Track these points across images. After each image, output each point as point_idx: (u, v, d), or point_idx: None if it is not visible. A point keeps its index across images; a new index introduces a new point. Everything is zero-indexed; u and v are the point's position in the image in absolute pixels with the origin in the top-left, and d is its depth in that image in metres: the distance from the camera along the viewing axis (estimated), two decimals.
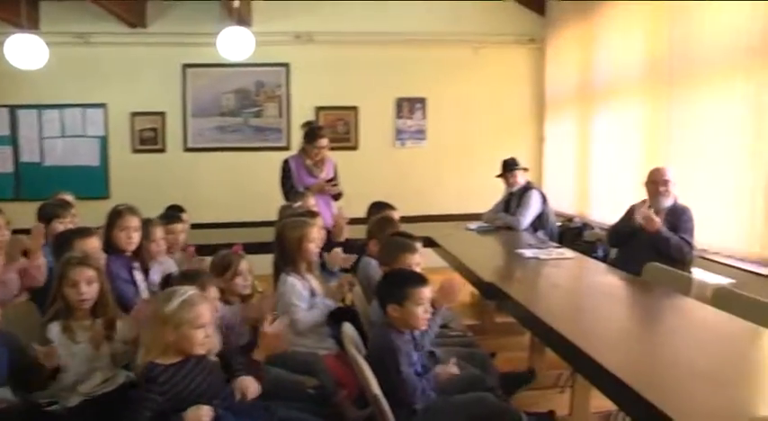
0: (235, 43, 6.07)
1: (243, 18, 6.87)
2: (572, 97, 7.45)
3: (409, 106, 8.02)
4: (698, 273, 4.50)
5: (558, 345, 2.65)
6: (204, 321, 2.32)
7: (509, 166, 5.80)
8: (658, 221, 4.23)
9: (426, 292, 2.69)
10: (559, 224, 6.10)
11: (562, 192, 7.59)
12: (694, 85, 5.09)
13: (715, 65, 4.82)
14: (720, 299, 3.24)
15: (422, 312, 2.67)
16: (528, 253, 4.40)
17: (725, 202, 4.71)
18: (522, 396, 3.81)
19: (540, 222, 5.65)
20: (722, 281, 4.41)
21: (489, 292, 3.62)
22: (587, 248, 5.33)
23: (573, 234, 5.83)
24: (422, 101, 8.04)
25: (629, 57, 6.10)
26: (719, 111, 4.77)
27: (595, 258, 4.98)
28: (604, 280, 3.88)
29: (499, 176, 5.87)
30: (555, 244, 5.03)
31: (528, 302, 3.11)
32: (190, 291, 2.36)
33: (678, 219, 4.35)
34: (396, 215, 4.50)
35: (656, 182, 4.41)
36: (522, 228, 5.55)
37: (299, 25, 7.62)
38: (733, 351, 2.57)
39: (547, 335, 2.80)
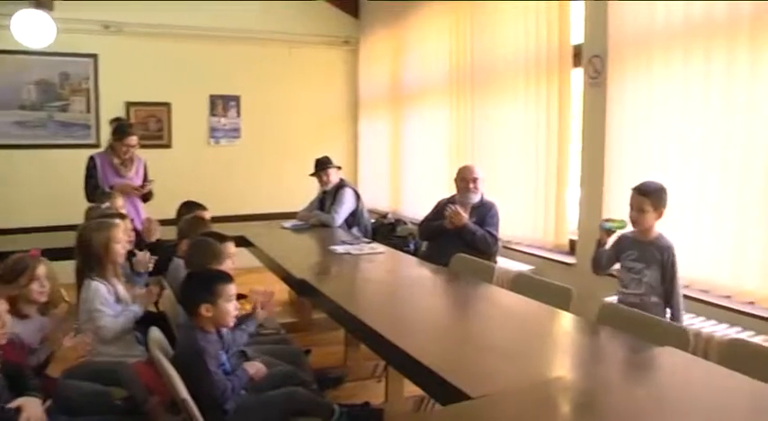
0: (33, 28, 5.63)
1: (42, 1, 6.37)
2: (384, 98, 7.70)
3: (223, 104, 7.86)
4: (503, 262, 4.86)
5: (368, 338, 2.75)
6: None
7: (322, 165, 5.86)
8: (465, 216, 4.48)
9: (234, 288, 2.70)
10: (373, 220, 6.28)
11: (377, 190, 7.83)
12: (492, 92, 5.52)
13: (509, 74, 5.25)
14: (519, 284, 3.57)
15: (233, 309, 2.68)
16: (340, 249, 4.50)
17: (525, 197, 5.13)
18: (340, 387, 3.93)
19: (354, 219, 5.78)
20: (524, 268, 4.81)
21: (302, 289, 3.67)
22: (400, 243, 5.55)
23: (387, 229, 6.03)
24: (236, 99, 7.91)
25: (436, 62, 6.43)
26: (515, 115, 5.21)
27: (407, 252, 5.20)
28: (414, 272, 4.06)
29: (313, 175, 5.93)
30: (367, 239, 5.18)
31: (338, 297, 3.19)
32: None
33: (485, 213, 4.63)
34: (207, 215, 4.41)
35: (465, 179, 4.67)
36: (337, 224, 5.65)
37: (108, 14, 7.15)
38: (528, 329, 2.83)
39: (357, 329, 2.89)
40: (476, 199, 4.65)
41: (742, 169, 3.38)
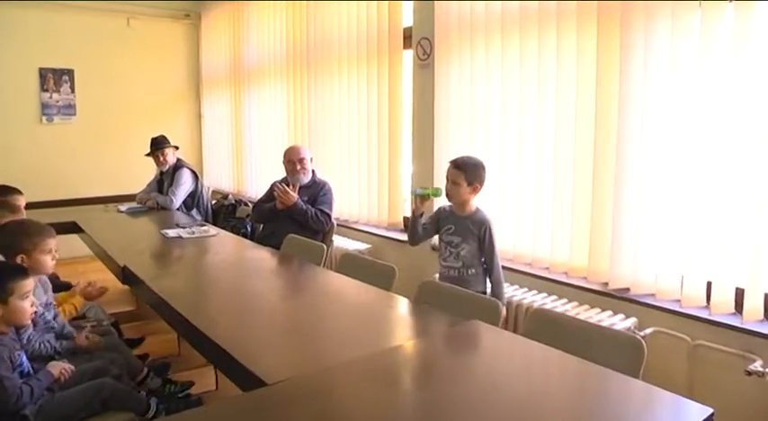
0: None
1: None
2: (226, 76, 7.52)
3: (55, 78, 7.26)
4: (341, 242, 4.89)
5: (179, 324, 2.67)
6: None
7: (158, 144, 5.66)
8: (294, 196, 4.44)
9: (30, 284, 2.51)
10: (215, 202, 6.14)
11: (221, 170, 7.68)
12: (327, 72, 5.52)
13: (343, 54, 5.27)
14: (345, 263, 3.60)
15: (29, 306, 2.48)
16: (171, 233, 4.37)
17: (360, 176, 5.19)
18: (175, 375, 3.74)
19: (193, 201, 5.62)
20: (361, 247, 4.85)
21: (125, 277, 3.51)
22: (239, 224, 5.45)
23: (227, 211, 5.89)
24: (69, 73, 7.33)
25: (275, 41, 6.37)
26: (349, 95, 5.25)
27: (244, 234, 5.12)
28: (242, 255, 3.99)
29: (148, 155, 5.70)
30: (200, 222, 5.08)
31: (156, 284, 3.08)
32: None
33: (317, 192, 4.61)
34: (20, 200, 4.10)
35: (291, 161, 4.62)
36: (175, 207, 5.49)
37: None
38: (348, 310, 2.83)
39: (170, 315, 2.78)
40: (305, 179, 4.62)
41: (555, 147, 3.60)
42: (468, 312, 2.60)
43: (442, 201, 3.52)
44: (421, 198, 3.40)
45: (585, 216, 3.47)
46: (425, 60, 4.36)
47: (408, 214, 4.72)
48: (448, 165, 3.31)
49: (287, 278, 3.58)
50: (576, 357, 2.07)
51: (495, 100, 3.91)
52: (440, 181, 4.33)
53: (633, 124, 3.16)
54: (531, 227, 3.78)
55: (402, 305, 2.82)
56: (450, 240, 3.32)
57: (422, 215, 3.44)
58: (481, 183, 3.25)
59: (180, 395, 3.32)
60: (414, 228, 3.46)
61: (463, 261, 3.27)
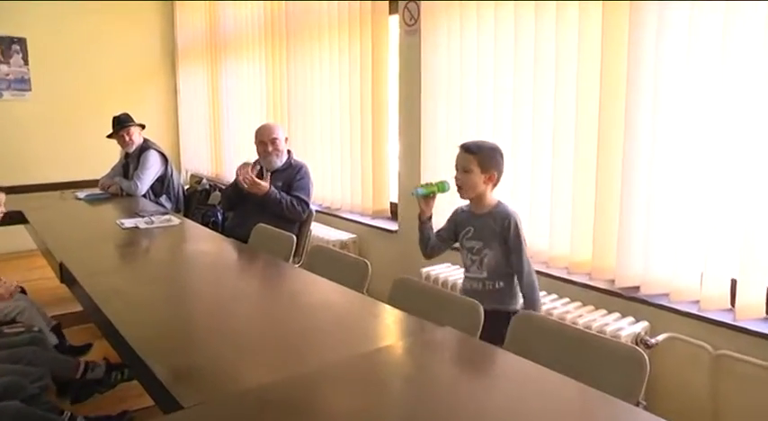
0: None
1: None
2: (203, 48, 7.04)
3: (2, 47, 6.56)
4: (323, 231, 4.52)
5: (109, 332, 2.24)
6: None
7: (122, 123, 5.16)
8: (265, 186, 3.98)
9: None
10: (189, 186, 5.68)
11: (199, 151, 7.24)
12: (307, 42, 5.08)
13: (323, 22, 4.85)
14: (315, 257, 3.23)
15: None
16: (128, 222, 3.92)
17: (342, 157, 4.77)
18: (129, 386, 3.40)
19: (162, 186, 5.16)
20: (344, 236, 4.52)
21: (63, 275, 3.05)
22: (208, 212, 5.01)
23: (201, 197, 5.41)
24: (21, 41, 6.63)
25: (252, 9, 5.91)
26: (330, 68, 4.83)
27: (213, 223, 4.70)
28: (199, 248, 3.55)
29: (111, 136, 5.22)
30: (167, 209, 4.65)
31: (90, 283, 2.65)
32: None
33: (292, 176, 4.15)
34: None
35: (263, 141, 4.14)
36: (141, 192, 5.03)
37: None
38: (302, 318, 2.38)
39: (100, 321, 2.36)
40: (279, 162, 4.15)
41: (555, 127, 3.18)
42: (445, 315, 2.27)
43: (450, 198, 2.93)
44: (425, 198, 2.82)
45: (589, 203, 3.04)
46: (412, 26, 3.93)
47: (395, 199, 4.33)
48: (458, 149, 2.75)
49: (244, 278, 3.13)
50: (562, 375, 1.72)
51: (488, 72, 3.49)
52: (426, 163, 3.92)
53: (644, 99, 2.73)
54: (527, 216, 3.31)
55: (370, 308, 2.41)
56: (470, 246, 2.76)
57: (430, 218, 2.86)
58: (499, 171, 2.70)
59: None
60: (423, 235, 2.89)
61: (488, 270, 2.72)
